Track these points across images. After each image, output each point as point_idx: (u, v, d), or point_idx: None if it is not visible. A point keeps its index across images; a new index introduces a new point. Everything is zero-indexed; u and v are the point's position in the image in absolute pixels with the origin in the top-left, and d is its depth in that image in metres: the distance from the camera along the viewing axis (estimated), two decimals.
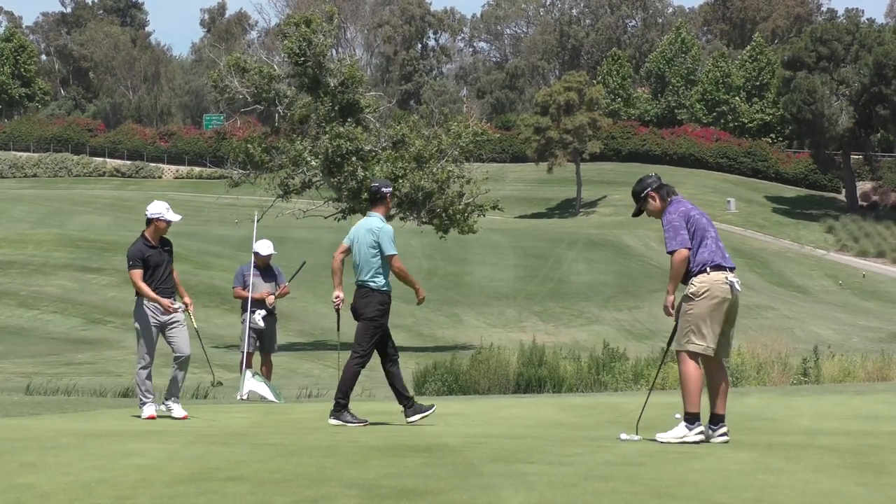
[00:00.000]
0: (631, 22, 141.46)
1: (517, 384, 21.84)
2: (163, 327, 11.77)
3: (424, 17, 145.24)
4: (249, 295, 16.23)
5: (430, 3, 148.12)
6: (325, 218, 44.53)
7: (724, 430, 8.53)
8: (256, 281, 16.43)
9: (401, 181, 40.60)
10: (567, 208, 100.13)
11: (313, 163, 41.33)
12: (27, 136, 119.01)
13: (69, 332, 44.09)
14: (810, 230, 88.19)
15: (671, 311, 8.69)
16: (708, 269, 8.49)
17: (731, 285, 8.49)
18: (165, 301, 11.73)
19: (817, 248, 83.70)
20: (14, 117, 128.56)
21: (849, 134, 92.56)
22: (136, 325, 11.87)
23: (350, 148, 40.75)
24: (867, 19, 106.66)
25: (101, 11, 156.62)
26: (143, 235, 11.95)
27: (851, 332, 49.80)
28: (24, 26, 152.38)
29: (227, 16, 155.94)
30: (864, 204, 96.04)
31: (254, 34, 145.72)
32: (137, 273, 11.75)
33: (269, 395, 15.63)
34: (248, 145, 42.47)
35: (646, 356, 24.54)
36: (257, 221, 17.95)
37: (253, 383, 15.78)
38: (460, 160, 43.54)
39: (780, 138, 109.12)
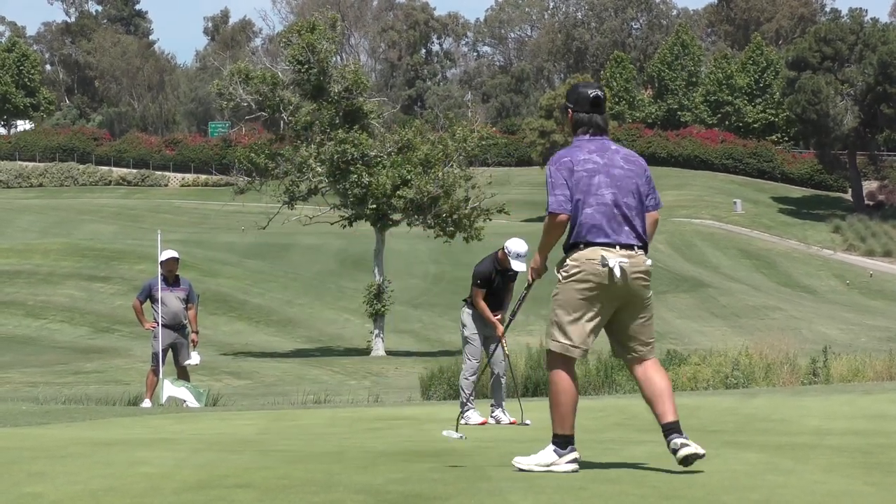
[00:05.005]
0: (636, 24, 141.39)
1: (525, 387, 21.80)
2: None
3: (428, 21, 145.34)
4: (160, 310, 16.15)
5: (434, 9, 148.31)
6: (332, 224, 44.52)
7: (678, 440, 6.14)
8: (166, 295, 16.12)
9: (403, 188, 40.59)
10: None
11: (319, 169, 41.35)
12: (32, 146, 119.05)
13: (77, 341, 44.13)
14: (817, 230, 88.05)
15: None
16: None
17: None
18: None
19: (824, 248, 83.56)
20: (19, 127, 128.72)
21: (854, 134, 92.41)
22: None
23: (355, 154, 40.77)
24: (871, 19, 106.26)
25: (106, 21, 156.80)
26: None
27: (859, 331, 49.69)
28: (27, 36, 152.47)
29: (230, 23, 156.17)
30: (871, 203, 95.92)
31: (258, 41, 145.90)
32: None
33: (191, 400, 15.73)
34: (252, 154, 42.62)
35: None
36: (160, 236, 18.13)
37: (172, 389, 15.83)
38: (464, 165, 43.51)
39: (786, 139, 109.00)
